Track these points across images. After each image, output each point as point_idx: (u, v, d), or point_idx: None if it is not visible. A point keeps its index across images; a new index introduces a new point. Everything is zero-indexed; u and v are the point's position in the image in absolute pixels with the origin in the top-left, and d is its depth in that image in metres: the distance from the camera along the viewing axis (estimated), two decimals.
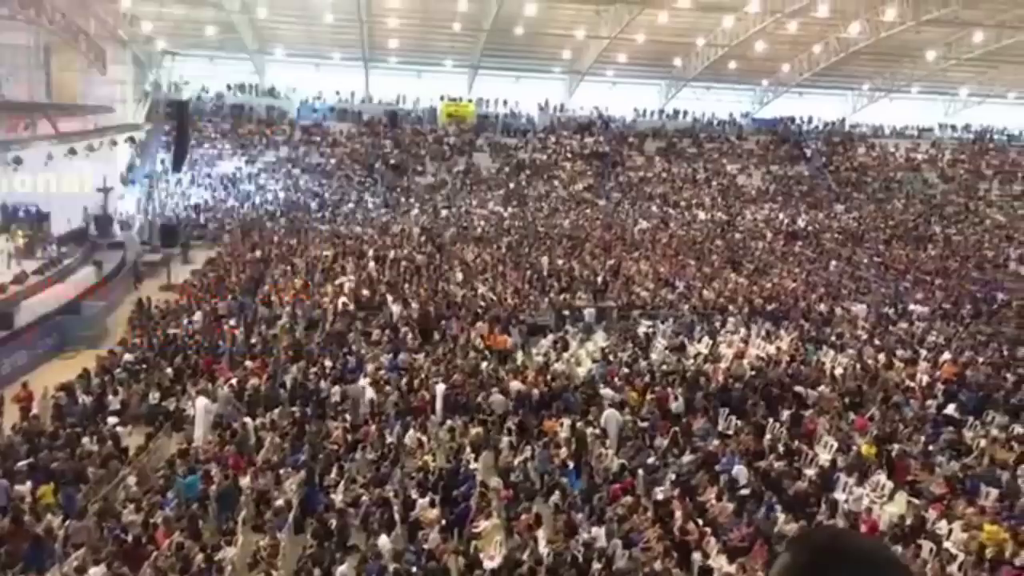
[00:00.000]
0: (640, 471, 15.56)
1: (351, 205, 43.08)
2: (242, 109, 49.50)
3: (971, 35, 42.11)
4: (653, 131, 52.87)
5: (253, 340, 21.89)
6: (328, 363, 20.13)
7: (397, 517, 13.35)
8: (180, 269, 31.18)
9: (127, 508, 12.89)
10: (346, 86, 50.63)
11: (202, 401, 16.80)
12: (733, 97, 55.13)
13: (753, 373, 21.16)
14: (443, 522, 13.21)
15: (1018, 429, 17.91)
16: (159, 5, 39.08)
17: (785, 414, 18.42)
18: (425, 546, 12.31)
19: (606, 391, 19.16)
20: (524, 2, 37.58)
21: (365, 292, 26.72)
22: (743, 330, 25.57)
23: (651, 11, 38.52)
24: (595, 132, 52.19)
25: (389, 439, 16.28)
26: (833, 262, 36.82)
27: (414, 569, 11.69)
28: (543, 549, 12.22)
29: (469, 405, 18.36)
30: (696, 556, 12.53)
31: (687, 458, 16.06)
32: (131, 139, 39.52)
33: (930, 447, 16.84)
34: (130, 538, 11.93)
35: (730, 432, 17.94)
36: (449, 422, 17.47)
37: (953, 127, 56.99)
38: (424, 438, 16.58)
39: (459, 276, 29.72)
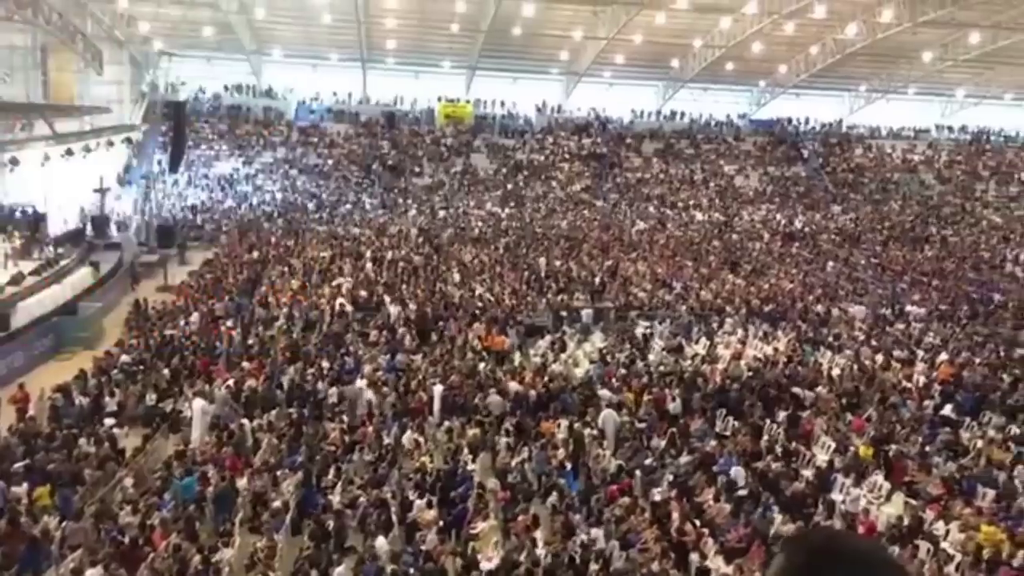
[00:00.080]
0: (638, 472, 15.56)
1: (348, 206, 43.09)
2: (239, 110, 49.52)
3: (967, 36, 42.24)
4: (650, 132, 52.96)
5: (250, 341, 21.85)
6: (325, 364, 20.10)
7: (395, 518, 13.34)
8: (177, 270, 31.16)
9: (124, 510, 12.86)
10: (343, 87, 50.66)
11: (199, 402, 16.76)
12: (730, 98, 55.25)
13: (750, 374, 21.16)
14: (441, 523, 13.20)
15: (1015, 430, 17.91)
16: (156, 6, 39.11)
17: (782, 415, 18.42)
18: (423, 547, 12.29)
19: (604, 392, 19.16)
20: (522, 3, 37.63)
21: (362, 293, 26.72)
22: (740, 331, 25.58)
23: (648, 12, 38.56)
24: (592, 133, 52.26)
25: (387, 440, 16.26)
26: (830, 263, 36.87)
27: (411, 570, 11.68)
28: (541, 550, 12.21)
29: (467, 406, 18.34)
30: (694, 557, 12.53)
31: (684, 459, 16.06)
32: (128, 140, 39.46)
33: (927, 448, 16.85)
34: (127, 540, 11.90)
35: (727, 433, 17.93)
36: (447, 423, 17.46)
37: (950, 128, 57.14)
38: (422, 439, 16.57)
39: (457, 277, 29.73)
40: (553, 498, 14.25)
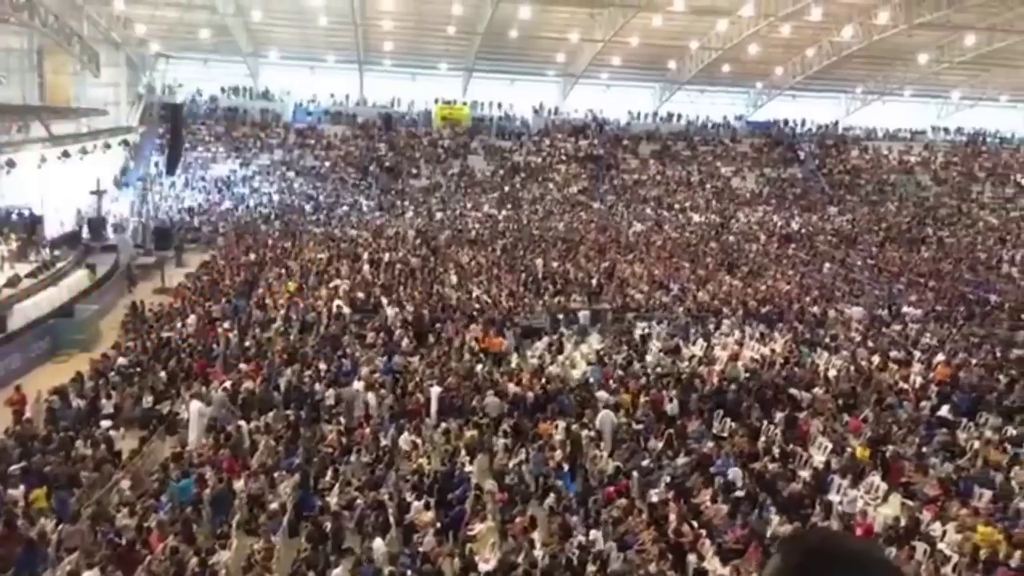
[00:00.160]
0: (635, 473, 15.56)
1: (345, 208, 43.08)
2: (236, 112, 49.51)
3: (963, 38, 42.33)
4: (647, 134, 53.03)
5: (247, 343, 21.82)
6: (323, 366, 20.08)
7: (392, 520, 13.33)
8: (174, 272, 31.14)
9: (121, 512, 12.84)
10: (340, 89, 50.68)
11: (196, 404, 16.74)
12: (727, 100, 55.37)
13: (748, 375, 21.18)
14: (438, 525, 13.19)
15: (1011, 431, 17.93)
16: (153, 8, 39.10)
17: (779, 416, 18.42)
18: (420, 549, 12.29)
19: (601, 393, 19.16)
20: (518, 5, 37.70)
21: (360, 295, 26.70)
22: (737, 332, 25.60)
23: (645, 14, 38.60)
24: (589, 135, 52.31)
25: (384, 442, 16.26)
26: (827, 264, 36.91)
27: (409, 572, 11.67)
28: (538, 552, 12.21)
29: (464, 408, 18.33)
30: (691, 558, 12.54)
31: (682, 460, 16.07)
32: (125, 142, 39.46)
33: (924, 449, 16.86)
34: (124, 542, 11.88)
35: (725, 434, 17.95)
36: (444, 425, 17.46)
37: (946, 130, 57.26)
38: (419, 441, 16.56)
39: (454, 279, 29.71)
40: (551, 499, 14.25)
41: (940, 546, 12.91)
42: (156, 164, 42.29)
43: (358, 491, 14.04)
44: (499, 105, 52.22)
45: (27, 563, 11.44)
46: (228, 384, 18.35)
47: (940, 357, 23.17)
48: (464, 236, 38.23)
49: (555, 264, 32.96)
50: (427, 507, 13.62)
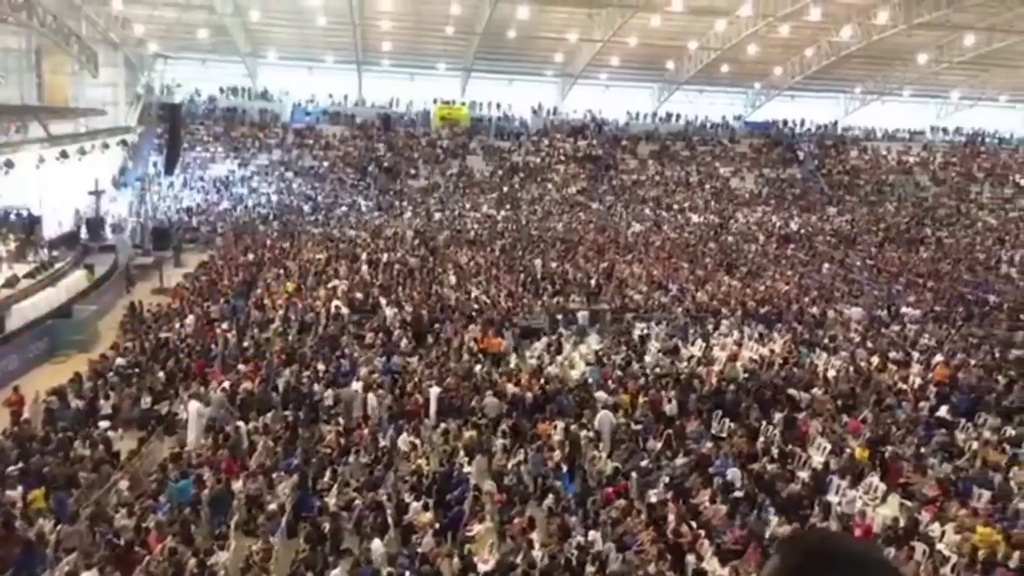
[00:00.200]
0: (633, 474, 15.56)
1: (344, 208, 43.07)
2: (235, 112, 49.51)
3: (962, 38, 42.35)
4: (646, 134, 53.05)
5: (246, 344, 21.80)
6: (321, 367, 20.08)
7: (390, 521, 13.32)
8: (172, 272, 31.14)
9: (119, 513, 12.83)
10: (339, 89, 50.68)
11: (194, 405, 16.73)
12: (725, 100, 55.39)
13: (746, 376, 21.19)
14: (436, 526, 13.19)
15: (1010, 431, 17.94)
16: (151, 8, 39.06)
17: (778, 416, 18.43)
18: (419, 550, 12.28)
19: (600, 394, 19.15)
20: (517, 5, 37.70)
21: (358, 295, 26.68)
22: (736, 333, 25.61)
23: (644, 15, 38.59)
24: (588, 135, 52.32)
25: (382, 443, 16.25)
26: (826, 265, 36.93)
27: (407, 573, 11.67)
28: (537, 553, 12.20)
29: (463, 408, 18.33)
30: (690, 559, 12.54)
31: (680, 461, 16.07)
32: (123, 142, 39.42)
33: (923, 449, 16.87)
34: (122, 543, 11.87)
35: (723, 435, 17.94)
36: (443, 425, 17.45)
37: (945, 130, 57.30)
38: (417, 441, 16.56)
39: (452, 279, 29.70)
40: (549, 500, 14.25)
41: (939, 547, 12.91)
42: (154, 164, 42.28)
43: (356, 492, 14.04)
44: (498, 105, 52.24)
45: (25, 564, 11.43)
46: (226, 385, 18.33)
47: (939, 358, 23.19)
48: (463, 236, 38.22)
49: (554, 264, 32.96)
50: (426, 508, 13.62)
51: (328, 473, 14.86)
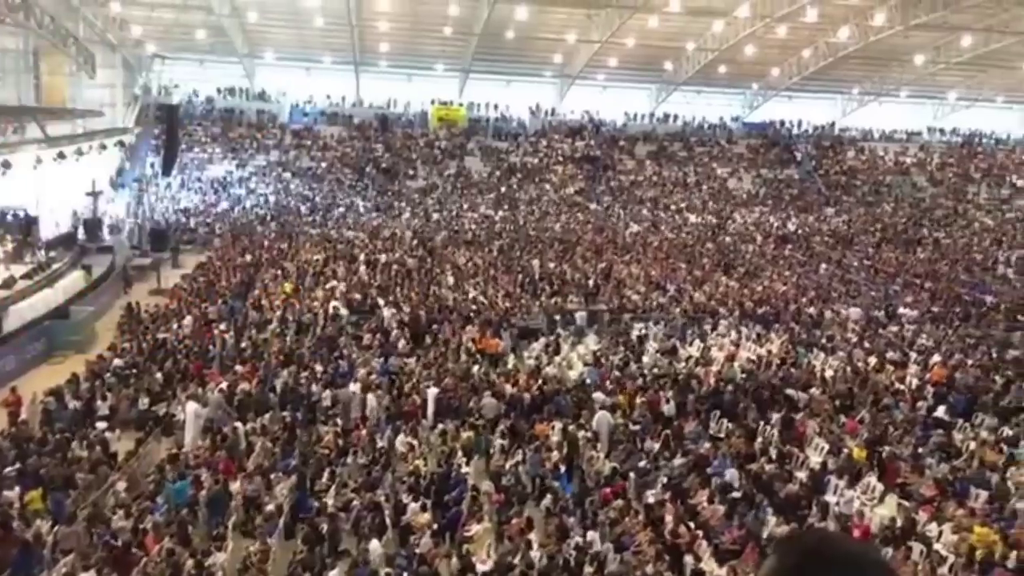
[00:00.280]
0: (631, 474, 15.57)
1: (342, 209, 43.04)
2: (232, 113, 49.47)
3: (959, 39, 42.43)
4: (644, 135, 53.07)
5: (243, 344, 21.78)
6: (319, 367, 20.07)
7: (388, 521, 13.32)
8: (170, 273, 31.11)
9: (116, 514, 12.81)
10: (337, 90, 50.67)
11: (192, 406, 16.71)
12: (723, 101, 55.43)
13: (744, 376, 21.19)
14: (435, 526, 13.18)
15: (1007, 431, 17.98)
16: (149, 9, 39.06)
17: (776, 417, 18.44)
18: (417, 551, 12.28)
19: (597, 394, 19.15)
20: (515, 6, 37.69)
21: (356, 296, 26.67)
22: (734, 333, 25.62)
23: (642, 15, 38.64)
24: (586, 136, 52.33)
25: (380, 443, 16.24)
26: (823, 265, 36.96)
27: (405, 574, 11.67)
28: (535, 553, 12.20)
29: (461, 409, 18.32)
30: (688, 559, 12.54)
31: (678, 461, 16.07)
32: (120, 143, 39.34)
33: (920, 449, 16.89)
34: (120, 544, 11.85)
35: (721, 435, 17.95)
36: (440, 426, 17.44)
37: (942, 131, 57.39)
38: (415, 442, 16.55)
39: (450, 280, 29.70)
40: (547, 501, 14.25)
41: (936, 547, 12.93)
42: (152, 165, 42.25)
43: (354, 492, 14.04)
44: (495, 106, 52.24)
45: (23, 565, 11.41)
46: (224, 385, 18.31)
47: (936, 358, 23.22)
48: (461, 237, 38.21)
49: (552, 265, 32.97)
50: (424, 508, 13.61)
51: (326, 474, 14.86)
